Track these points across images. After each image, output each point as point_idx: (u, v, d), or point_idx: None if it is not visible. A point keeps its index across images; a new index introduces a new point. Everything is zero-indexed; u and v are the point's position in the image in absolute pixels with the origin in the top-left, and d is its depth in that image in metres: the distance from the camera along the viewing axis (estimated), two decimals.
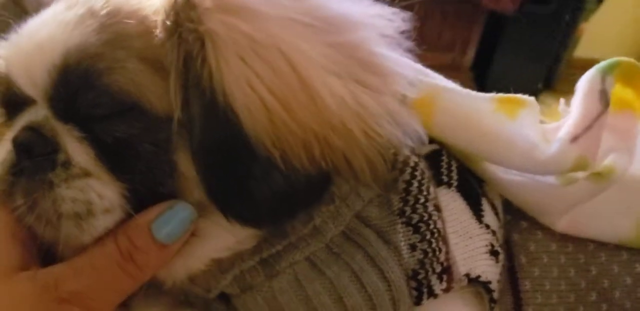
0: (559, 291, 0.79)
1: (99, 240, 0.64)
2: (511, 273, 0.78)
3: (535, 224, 0.80)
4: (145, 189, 0.64)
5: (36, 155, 0.63)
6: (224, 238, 0.68)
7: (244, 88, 0.60)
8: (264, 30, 0.62)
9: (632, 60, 0.77)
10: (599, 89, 0.74)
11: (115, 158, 0.63)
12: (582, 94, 0.76)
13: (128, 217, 0.64)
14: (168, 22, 0.62)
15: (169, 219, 0.64)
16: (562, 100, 0.89)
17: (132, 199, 0.64)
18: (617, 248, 0.80)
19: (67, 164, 0.63)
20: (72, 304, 0.61)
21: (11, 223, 0.64)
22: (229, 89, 0.60)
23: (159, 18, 0.63)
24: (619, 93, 0.76)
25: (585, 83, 0.76)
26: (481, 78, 2.87)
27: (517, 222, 0.81)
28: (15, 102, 0.68)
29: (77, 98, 0.62)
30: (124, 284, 0.64)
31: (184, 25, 0.61)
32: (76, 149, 0.63)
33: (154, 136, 0.63)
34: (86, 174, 0.63)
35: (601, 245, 0.81)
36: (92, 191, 0.62)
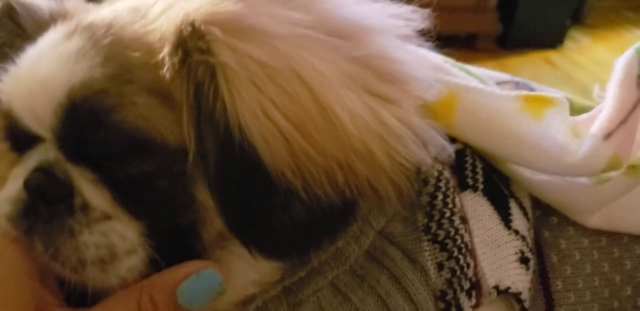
0: (593, 288, 0.77)
1: (123, 290, 0.61)
2: (542, 274, 0.76)
3: (566, 219, 0.78)
4: (165, 224, 0.62)
5: (51, 199, 0.61)
6: (247, 272, 0.66)
7: (260, 118, 0.57)
8: (275, 53, 0.58)
9: None
10: (638, 74, 0.69)
11: (132, 197, 0.61)
12: (618, 80, 0.70)
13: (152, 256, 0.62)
14: (175, 55, 0.59)
15: (195, 286, 0.61)
16: (596, 86, 0.84)
17: (152, 236, 0.62)
18: None
19: (86, 208, 0.60)
20: None
21: (26, 263, 0.62)
22: (244, 122, 0.57)
23: (165, 49, 0.60)
24: None
25: (622, 67, 0.70)
26: (507, 19, 2.79)
27: (547, 218, 0.78)
28: (22, 138, 0.66)
29: (87, 137, 0.60)
30: None
31: (192, 56, 0.58)
32: (92, 192, 0.61)
33: (169, 170, 0.61)
34: (106, 217, 0.61)
35: (636, 237, 0.79)
36: (114, 234, 0.60)
